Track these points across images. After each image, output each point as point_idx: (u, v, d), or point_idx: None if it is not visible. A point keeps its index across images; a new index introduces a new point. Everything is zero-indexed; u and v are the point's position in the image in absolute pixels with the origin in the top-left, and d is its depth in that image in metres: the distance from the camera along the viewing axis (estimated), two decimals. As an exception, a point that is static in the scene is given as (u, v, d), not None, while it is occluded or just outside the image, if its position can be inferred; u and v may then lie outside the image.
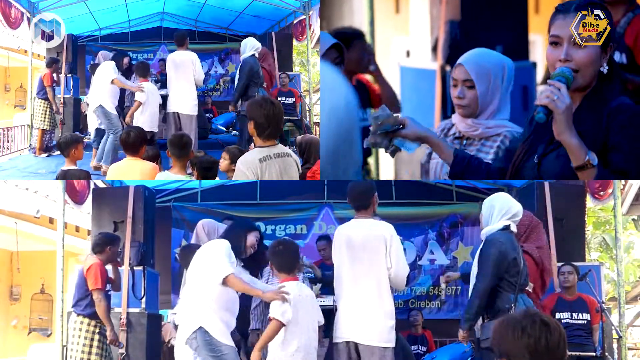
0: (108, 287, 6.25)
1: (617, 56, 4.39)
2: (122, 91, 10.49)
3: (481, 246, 4.83)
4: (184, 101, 9.36)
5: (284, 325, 4.61)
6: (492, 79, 3.76)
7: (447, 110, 6.09)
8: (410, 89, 6.22)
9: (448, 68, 5.89)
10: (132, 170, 5.95)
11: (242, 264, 4.96)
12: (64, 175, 6.34)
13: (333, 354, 5.13)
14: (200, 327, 4.57)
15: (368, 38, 5.92)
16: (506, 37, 5.63)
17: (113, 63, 9.51)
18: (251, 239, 4.94)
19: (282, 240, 5.13)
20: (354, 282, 5.00)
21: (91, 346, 6.11)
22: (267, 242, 7.97)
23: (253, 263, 5.11)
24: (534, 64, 5.77)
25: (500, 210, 4.80)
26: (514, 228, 4.82)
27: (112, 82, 9.25)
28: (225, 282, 4.58)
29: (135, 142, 5.89)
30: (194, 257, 4.94)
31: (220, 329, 4.62)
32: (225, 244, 4.78)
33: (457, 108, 3.83)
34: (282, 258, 4.82)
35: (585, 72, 2.89)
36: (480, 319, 4.86)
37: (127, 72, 9.88)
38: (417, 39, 6.90)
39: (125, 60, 9.91)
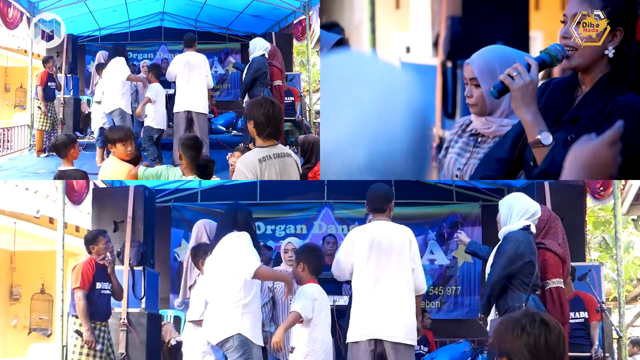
0: (101, 285, 6.21)
1: None
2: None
3: (498, 244, 4.90)
4: (198, 100, 9.54)
5: (302, 318, 4.94)
6: (498, 77, 3.76)
7: (447, 106, 6.10)
8: (417, 87, 6.20)
9: (449, 64, 5.89)
10: (107, 169, 5.90)
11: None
12: (62, 176, 6.33)
13: (349, 352, 5.15)
14: (239, 333, 4.69)
15: (369, 33, 5.92)
16: (507, 33, 5.64)
17: (123, 59, 9.62)
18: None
19: (315, 244, 5.40)
20: (378, 281, 5.07)
21: (83, 345, 6.09)
22: (270, 244, 8.07)
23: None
24: (534, 59, 5.78)
25: (520, 210, 4.90)
26: (533, 229, 4.94)
27: (128, 78, 9.42)
28: (256, 275, 4.73)
29: (113, 138, 5.83)
30: (214, 253, 5.01)
31: (254, 332, 4.77)
32: (247, 237, 4.91)
33: (470, 107, 3.86)
34: (318, 262, 5.17)
35: (583, 51, 2.87)
36: (492, 314, 4.91)
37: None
38: (417, 35, 6.91)
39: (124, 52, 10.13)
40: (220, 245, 5.00)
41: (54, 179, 6.48)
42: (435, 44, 6.19)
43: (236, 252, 4.85)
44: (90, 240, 6.28)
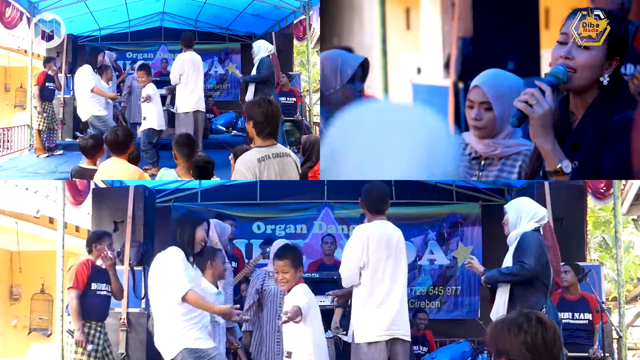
0: (97, 286, 6.21)
1: (630, 68, 4.38)
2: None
3: (517, 243, 4.92)
4: (202, 99, 9.72)
5: (301, 315, 4.77)
6: (508, 101, 3.70)
7: (460, 127, 6.10)
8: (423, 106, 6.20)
9: (461, 85, 5.90)
10: (115, 171, 5.86)
11: (194, 263, 4.85)
12: (81, 173, 6.27)
13: (364, 352, 5.10)
14: (185, 347, 4.61)
15: (380, 55, 5.92)
16: (518, 53, 5.66)
17: (90, 67, 9.47)
18: (200, 233, 4.80)
19: (295, 245, 5.30)
20: (395, 280, 5.11)
21: (75, 344, 6.10)
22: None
23: (202, 257, 5.09)
24: (546, 80, 5.77)
25: (528, 213, 4.95)
26: (540, 232, 4.95)
27: (92, 90, 9.28)
28: (184, 299, 4.54)
29: (125, 142, 5.82)
30: (151, 269, 4.79)
31: (200, 339, 4.67)
32: (178, 254, 4.66)
33: (474, 130, 3.80)
34: (302, 264, 5.06)
35: (583, 73, 2.88)
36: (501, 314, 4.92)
37: (100, 70, 9.84)
38: (428, 56, 6.90)
39: (100, 58, 9.79)
40: (154, 263, 4.77)
41: (72, 175, 6.40)
42: (447, 65, 6.20)
43: (167, 273, 4.63)
44: (94, 239, 6.30)
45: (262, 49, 9.42)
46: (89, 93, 9.30)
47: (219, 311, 4.68)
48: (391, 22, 7.24)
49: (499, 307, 4.96)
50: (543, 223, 5.03)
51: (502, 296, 4.96)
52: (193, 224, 4.79)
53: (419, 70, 7.31)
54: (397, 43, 7.59)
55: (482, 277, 5.09)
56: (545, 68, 6.38)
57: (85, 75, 9.39)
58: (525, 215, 4.96)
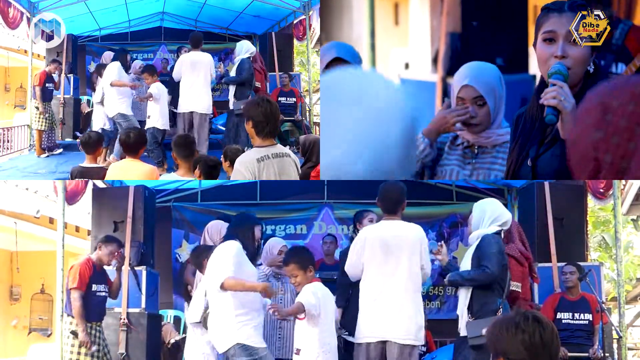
0: (96, 287, 6.23)
1: (621, 67, 4.39)
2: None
3: (477, 243, 4.95)
4: (201, 101, 9.70)
5: (304, 311, 4.88)
6: (497, 92, 3.81)
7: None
8: (411, 101, 6.21)
9: (449, 80, 5.90)
10: (132, 171, 5.95)
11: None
12: (83, 173, 6.28)
13: (355, 353, 5.17)
14: (237, 343, 4.72)
15: (368, 49, 5.92)
16: (506, 50, 5.67)
17: (118, 63, 9.60)
18: (257, 233, 5.08)
19: (303, 246, 5.37)
20: (386, 282, 5.11)
21: (80, 345, 6.11)
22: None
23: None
24: (534, 77, 5.77)
25: (491, 216, 4.98)
26: (502, 235, 5.00)
27: (111, 84, 9.37)
28: (223, 287, 4.70)
29: (136, 144, 5.87)
30: (209, 262, 5.01)
31: (254, 337, 4.79)
32: (235, 246, 4.87)
33: (469, 127, 3.83)
34: (312, 262, 5.20)
35: (578, 69, 2.92)
36: (466, 317, 4.94)
37: (127, 70, 10.07)
38: (416, 51, 6.91)
39: (127, 57, 10.10)
40: (212, 254, 5.02)
41: (73, 175, 6.42)
42: (435, 60, 6.20)
43: (213, 262, 4.87)
44: (105, 241, 6.31)
45: (243, 50, 9.61)
46: (116, 89, 9.41)
47: (262, 288, 4.81)
48: (379, 17, 7.23)
49: (462, 308, 5.01)
50: (505, 228, 5.05)
51: (465, 297, 5.01)
52: (252, 223, 5.06)
53: (407, 65, 7.32)
54: (385, 38, 7.59)
55: (445, 279, 5.12)
56: (533, 64, 6.40)
57: (111, 70, 9.49)
58: (488, 217, 4.99)
